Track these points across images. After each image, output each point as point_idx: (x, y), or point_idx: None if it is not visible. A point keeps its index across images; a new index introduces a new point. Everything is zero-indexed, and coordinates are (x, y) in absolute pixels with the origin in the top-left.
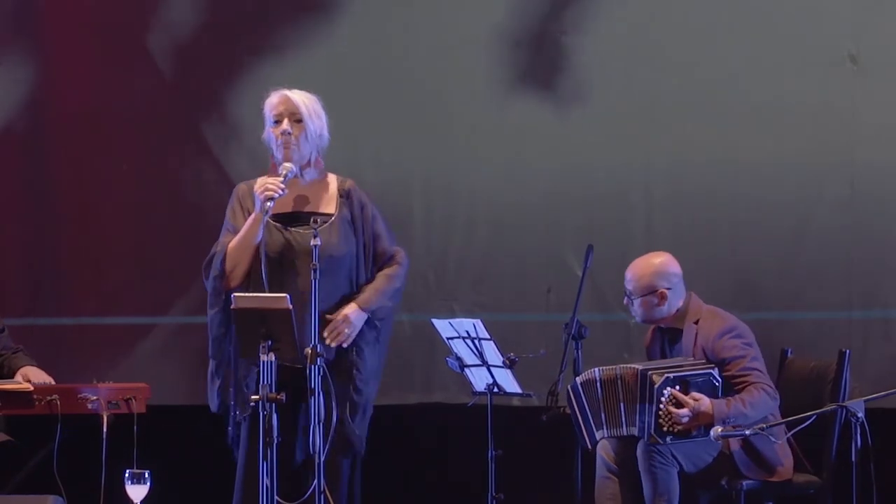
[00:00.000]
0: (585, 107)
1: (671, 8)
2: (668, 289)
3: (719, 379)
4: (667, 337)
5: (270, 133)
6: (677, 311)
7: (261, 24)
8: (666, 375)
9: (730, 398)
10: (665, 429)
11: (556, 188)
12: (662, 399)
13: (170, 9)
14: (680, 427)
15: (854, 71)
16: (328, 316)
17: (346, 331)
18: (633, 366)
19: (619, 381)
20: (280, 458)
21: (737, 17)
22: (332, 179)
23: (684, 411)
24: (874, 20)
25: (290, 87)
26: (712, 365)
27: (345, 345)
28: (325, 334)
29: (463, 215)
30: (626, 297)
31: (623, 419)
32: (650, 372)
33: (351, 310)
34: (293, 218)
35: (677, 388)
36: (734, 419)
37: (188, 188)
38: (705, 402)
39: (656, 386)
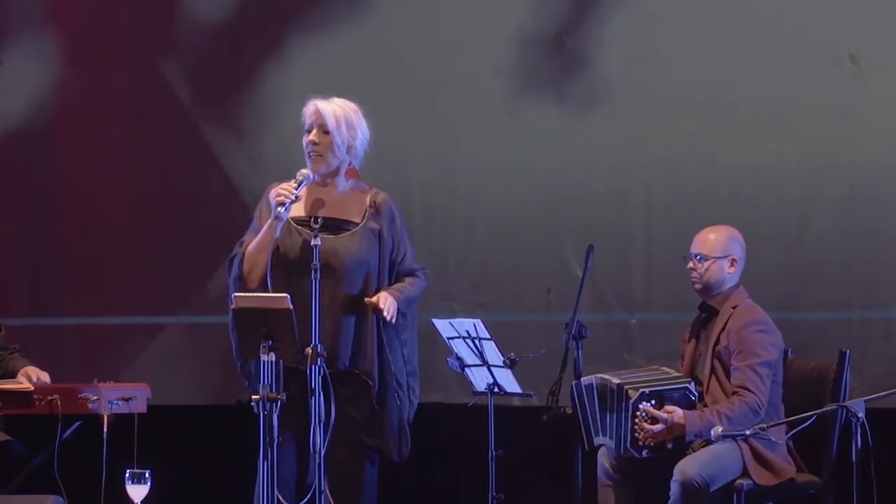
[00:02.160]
0: (585, 107)
1: (671, 9)
2: (738, 259)
3: (695, 393)
4: (703, 316)
5: (304, 140)
6: (728, 289)
7: (264, 28)
8: (641, 390)
9: (704, 411)
10: (640, 443)
11: (556, 188)
12: (638, 413)
13: (175, 10)
14: (653, 441)
15: (854, 71)
16: (367, 300)
17: (392, 304)
18: (613, 379)
19: (607, 392)
20: (300, 455)
21: (737, 17)
22: (368, 190)
23: (658, 425)
24: (874, 20)
25: (328, 96)
26: (688, 379)
27: (392, 318)
28: (383, 311)
29: (463, 215)
30: (691, 260)
31: (604, 429)
32: (626, 386)
33: (383, 294)
34: (316, 223)
35: (653, 402)
36: (706, 434)
37: (190, 189)
38: (678, 413)
39: (632, 401)
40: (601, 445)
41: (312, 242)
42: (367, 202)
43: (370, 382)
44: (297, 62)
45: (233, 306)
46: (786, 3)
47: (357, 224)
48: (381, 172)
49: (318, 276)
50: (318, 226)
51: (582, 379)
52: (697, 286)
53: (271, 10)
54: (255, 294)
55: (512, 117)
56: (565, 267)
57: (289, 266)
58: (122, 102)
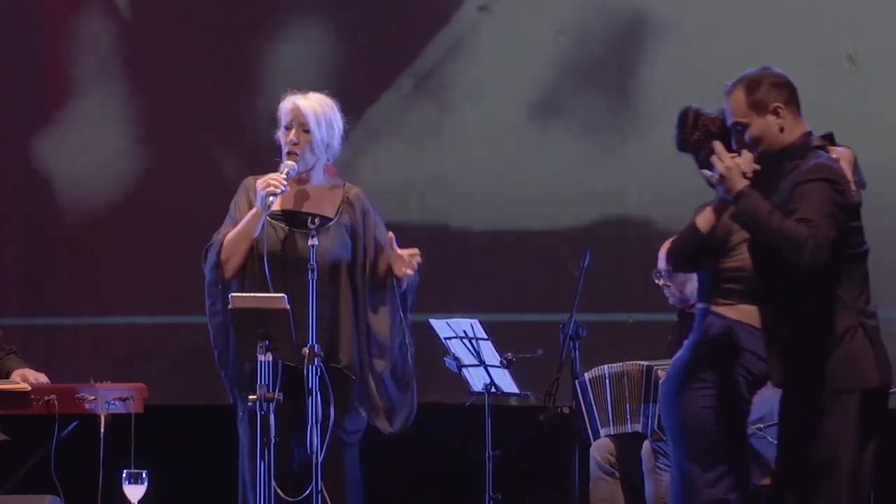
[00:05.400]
0: (585, 107)
1: (670, 10)
2: None
3: None
4: (688, 324)
5: (281, 137)
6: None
7: (259, 24)
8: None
9: None
10: None
11: (553, 189)
12: None
13: (172, 7)
14: None
15: (851, 71)
16: (404, 252)
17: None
18: (639, 362)
19: (625, 378)
20: (278, 459)
21: (736, 17)
22: (341, 185)
23: None
24: (871, 20)
25: (304, 92)
26: None
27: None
28: (405, 266)
29: (461, 215)
30: (661, 278)
31: (628, 416)
32: (655, 367)
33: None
34: (295, 218)
35: None
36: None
37: (188, 188)
38: None
39: (661, 381)
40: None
41: (310, 243)
42: (341, 197)
43: (353, 376)
44: (298, 60)
45: (230, 306)
46: (784, 3)
47: (330, 220)
48: (379, 172)
49: (315, 276)
50: (314, 226)
51: (587, 373)
52: (672, 300)
53: (268, 7)
54: (252, 294)
55: (510, 117)
56: (563, 267)
57: (266, 261)
58: (120, 102)
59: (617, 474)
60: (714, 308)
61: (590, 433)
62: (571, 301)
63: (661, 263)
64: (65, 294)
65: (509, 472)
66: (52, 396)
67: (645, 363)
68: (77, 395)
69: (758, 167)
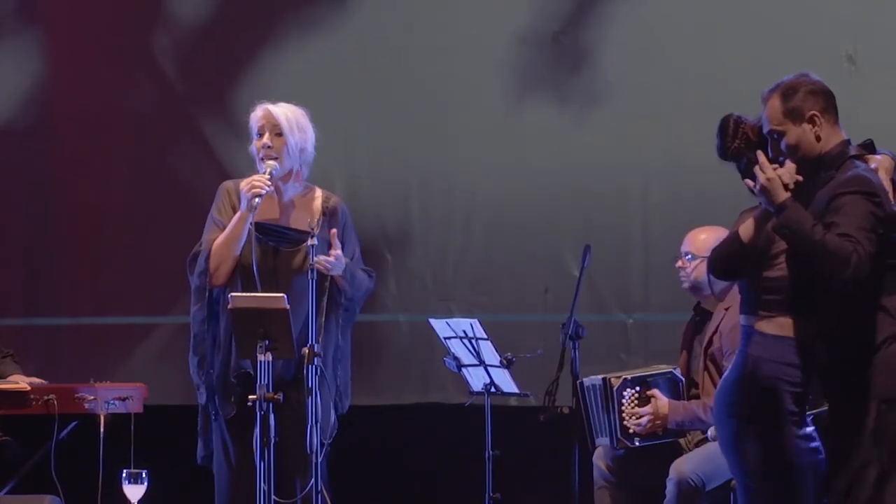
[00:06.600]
0: (584, 107)
1: (670, 9)
2: None
3: (681, 378)
4: (698, 319)
5: (254, 146)
6: (721, 291)
7: (262, 24)
8: (624, 377)
9: (689, 402)
10: (630, 430)
11: (553, 188)
12: (623, 401)
13: (172, 7)
14: (642, 429)
15: (851, 71)
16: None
17: (333, 261)
18: (607, 376)
19: (598, 390)
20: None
21: (735, 17)
22: (318, 195)
23: (645, 410)
24: (871, 20)
25: (275, 101)
26: (674, 366)
27: (329, 271)
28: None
29: (461, 215)
30: (680, 259)
31: (596, 429)
32: (610, 377)
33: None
34: (274, 232)
35: (637, 388)
36: (690, 423)
37: (188, 188)
38: (663, 401)
39: (615, 388)
40: (600, 446)
41: (310, 243)
42: (320, 208)
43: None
44: (296, 61)
45: (229, 306)
46: (784, 3)
47: (311, 233)
48: (379, 173)
49: (315, 276)
50: (314, 226)
51: (586, 378)
52: (685, 285)
53: (270, 8)
54: (252, 294)
55: (511, 118)
56: (562, 267)
57: (255, 271)
58: (121, 103)
59: (615, 480)
60: (756, 325)
61: (589, 437)
62: (571, 301)
63: (685, 246)
64: (65, 294)
65: (509, 472)
66: (51, 396)
67: (602, 375)
68: (77, 395)
69: (800, 178)
